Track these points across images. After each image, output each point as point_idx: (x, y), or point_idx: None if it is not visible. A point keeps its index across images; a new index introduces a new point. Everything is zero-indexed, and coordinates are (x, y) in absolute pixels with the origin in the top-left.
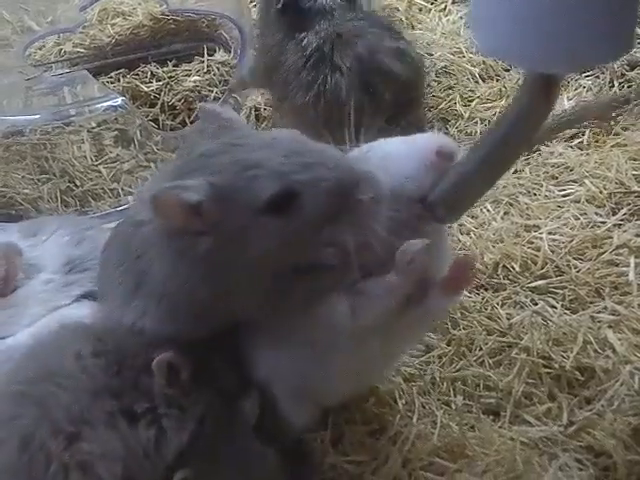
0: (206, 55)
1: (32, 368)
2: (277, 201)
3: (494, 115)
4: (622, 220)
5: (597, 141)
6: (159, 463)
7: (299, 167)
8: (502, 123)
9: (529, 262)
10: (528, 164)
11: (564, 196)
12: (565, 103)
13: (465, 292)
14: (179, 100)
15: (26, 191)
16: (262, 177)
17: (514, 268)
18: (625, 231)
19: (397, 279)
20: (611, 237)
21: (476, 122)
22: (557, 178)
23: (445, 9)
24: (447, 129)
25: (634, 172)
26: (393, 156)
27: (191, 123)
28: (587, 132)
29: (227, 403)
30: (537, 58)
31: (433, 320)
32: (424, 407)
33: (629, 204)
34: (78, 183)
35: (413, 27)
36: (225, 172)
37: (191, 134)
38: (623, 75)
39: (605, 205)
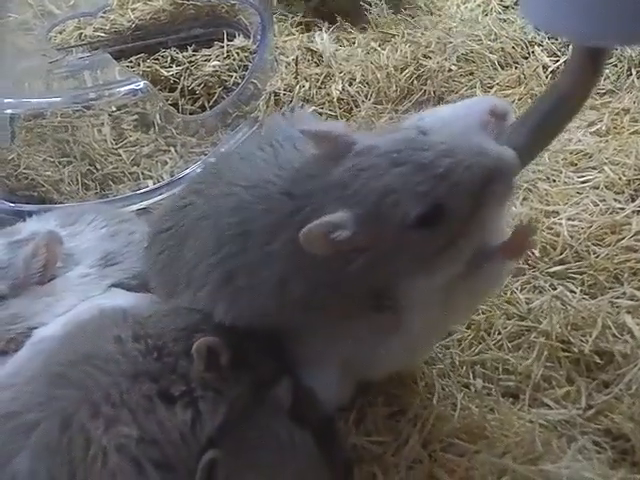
0: (226, 40)
1: (71, 351)
2: (425, 219)
3: (513, 101)
4: None
5: (616, 127)
6: (194, 446)
7: (434, 181)
8: (549, 96)
9: (548, 247)
10: (547, 150)
11: (583, 182)
12: None
13: None
14: (199, 85)
15: (47, 173)
16: (403, 202)
17: (533, 253)
18: None
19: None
20: (630, 223)
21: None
22: (576, 165)
23: None
24: None
25: None
26: (449, 120)
27: (210, 108)
28: (605, 118)
29: (261, 389)
30: (585, 32)
31: (490, 287)
32: (444, 389)
33: None
34: (98, 166)
35: (432, 14)
36: (365, 202)
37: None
38: None
39: (624, 191)
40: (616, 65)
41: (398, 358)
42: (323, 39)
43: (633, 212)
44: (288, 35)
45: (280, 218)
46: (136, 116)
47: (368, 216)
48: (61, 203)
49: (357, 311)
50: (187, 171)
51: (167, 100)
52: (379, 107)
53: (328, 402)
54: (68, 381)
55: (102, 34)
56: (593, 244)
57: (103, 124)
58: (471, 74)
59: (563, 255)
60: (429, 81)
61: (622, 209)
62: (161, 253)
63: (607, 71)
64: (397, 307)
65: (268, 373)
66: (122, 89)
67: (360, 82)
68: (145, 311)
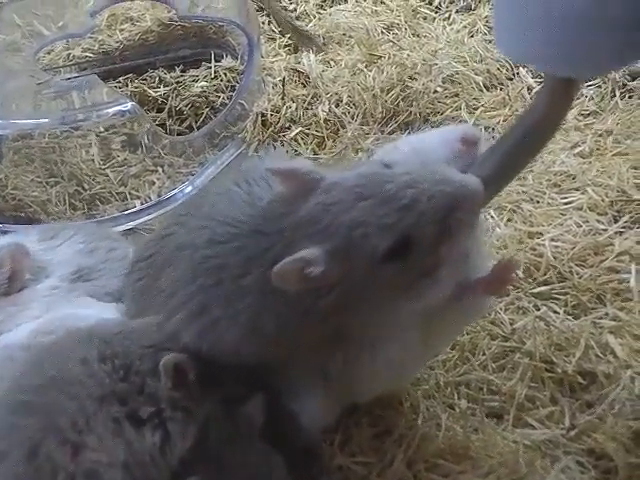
0: (213, 61)
1: (36, 375)
2: (393, 251)
3: (498, 123)
4: (623, 228)
5: (599, 149)
6: (164, 468)
7: (400, 213)
8: (521, 125)
9: (532, 268)
10: (531, 172)
11: (566, 204)
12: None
13: None
14: (186, 105)
15: (35, 194)
16: (371, 235)
17: (517, 274)
18: (626, 238)
19: (445, 269)
20: (613, 244)
21: (481, 129)
22: (560, 186)
23: (449, 18)
24: None
25: (635, 180)
26: (422, 149)
27: (198, 128)
28: (588, 140)
29: (231, 407)
30: (557, 62)
31: (470, 320)
32: (429, 410)
33: (630, 212)
34: (86, 186)
35: (418, 36)
36: (334, 237)
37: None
38: (625, 85)
39: (607, 213)
40: (600, 86)
41: (381, 384)
42: (310, 60)
43: (616, 233)
44: (275, 56)
45: (252, 255)
46: (124, 137)
47: (338, 251)
48: (48, 224)
49: (328, 345)
50: (175, 191)
51: (155, 120)
52: (365, 128)
53: (312, 426)
54: (33, 409)
55: (90, 55)
56: (576, 265)
57: (91, 145)
58: (456, 95)
59: (547, 276)
60: (415, 102)
61: (605, 230)
62: (139, 280)
63: (591, 92)
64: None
65: (237, 390)
66: (110, 110)
67: (346, 103)
68: (112, 327)
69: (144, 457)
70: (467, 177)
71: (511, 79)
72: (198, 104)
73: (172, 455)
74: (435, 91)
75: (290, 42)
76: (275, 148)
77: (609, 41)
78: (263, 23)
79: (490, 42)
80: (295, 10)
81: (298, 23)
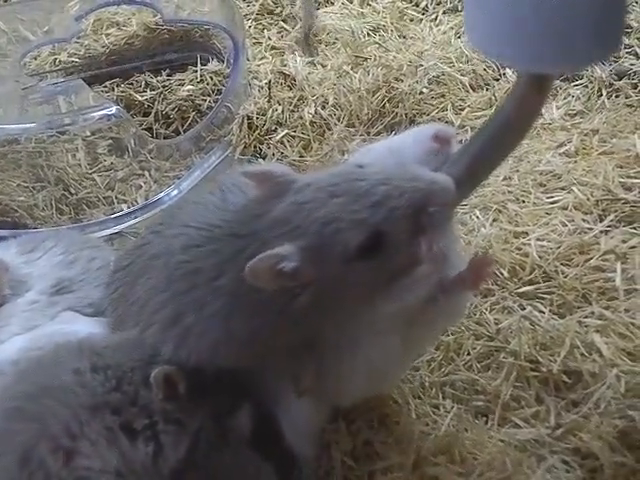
0: (199, 65)
1: (28, 384)
2: (365, 247)
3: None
4: (609, 227)
5: (585, 148)
6: (156, 478)
7: (372, 208)
8: (494, 121)
9: (517, 268)
10: (517, 171)
11: (552, 203)
12: (554, 112)
13: None
14: (173, 109)
15: (21, 198)
16: (344, 230)
17: (502, 274)
18: (612, 237)
19: (423, 268)
20: (598, 243)
21: (467, 130)
22: (545, 185)
23: (436, 19)
24: None
25: (621, 179)
26: (396, 149)
27: (184, 132)
28: (574, 139)
29: (220, 418)
30: (529, 58)
31: (450, 319)
32: (417, 409)
33: (616, 211)
34: (73, 191)
35: (405, 37)
36: (308, 233)
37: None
38: (611, 85)
39: (592, 212)
40: (587, 86)
41: (362, 388)
42: (296, 63)
43: (601, 232)
44: (262, 59)
45: (227, 257)
46: (110, 141)
47: (311, 248)
48: (35, 228)
49: (304, 350)
50: (161, 195)
51: (141, 124)
52: (351, 130)
53: (295, 431)
54: (26, 414)
55: (76, 59)
56: (562, 264)
57: (77, 149)
58: (442, 96)
59: (532, 275)
60: (401, 104)
61: (590, 229)
62: (116, 290)
63: (578, 92)
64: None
65: (227, 401)
66: (95, 114)
67: (333, 105)
68: (101, 341)
69: (136, 466)
70: (438, 175)
71: (497, 79)
72: (184, 108)
73: (164, 465)
74: (421, 92)
75: (276, 44)
76: (261, 151)
77: (579, 37)
78: (249, 27)
79: None
80: (282, 13)
81: None
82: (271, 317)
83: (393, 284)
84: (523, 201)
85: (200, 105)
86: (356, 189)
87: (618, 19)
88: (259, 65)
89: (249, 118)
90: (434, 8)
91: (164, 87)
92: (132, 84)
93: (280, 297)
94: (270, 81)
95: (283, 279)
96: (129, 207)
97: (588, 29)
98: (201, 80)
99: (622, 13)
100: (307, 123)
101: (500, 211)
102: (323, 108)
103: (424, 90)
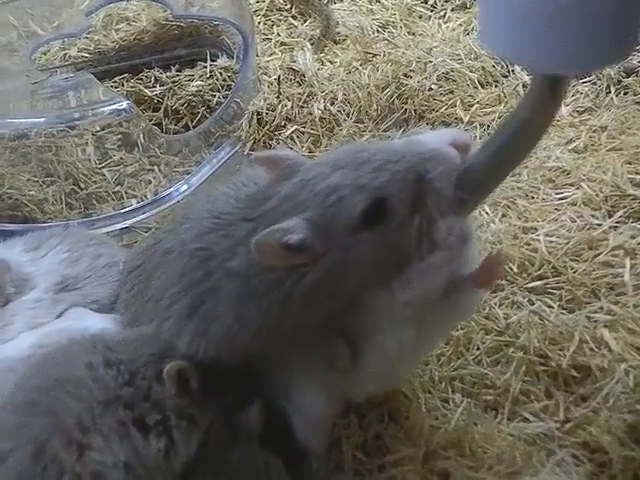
0: (209, 60)
1: (41, 377)
2: (369, 213)
3: (493, 120)
4: (618, 222)
5: (593, 144)
6: (167, 473)
7: (373, 174)
8: (510, 123)
9: (527, 263)
10: (526, 167)
11: (561, 199)
12: (563, 109)
13: None
14: (182, 105)
15: (31, 193)
16: (347, 197)
17: (512, 269)
18: (621, 233)
19: (441, 254)
20: (607, 239)
21: (476, 126)
22: (554, 181)
23: (445, 16)
24: None
25: (629, 176)
26: None
27: (194, 127)
28: (583, 136)
29: (232, 414)
30: (544, 60)
31: (460, 317)
32: (427, 404)
33: (625, 207)
34: (82, 186)
35: (414, 34)
36: (312, 205)
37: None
38: (620, 82)
39: (601, 208)
40: (595, 83)
41: (376, 382)
42: (305, 59)
43: (610, 228)
44: (271, 55)
45: (238, 239)
46: (120, 136)
47: (317, 219)
48: (45, 223)
49: (310, 341)
50: (170, 190)
51: (151, 120)
52: (360, 126)
53: (308, 426)
54: (39, 408)
55: (86, 55)
56: (571, 260)
57: (87, 144)
58: (451, 93)
59: (541, 271)
60: (410, 100)
61: (599, 225)
62: (130, 290)
63: (586, 89)
64: (355, 338)
65: (239, 398)
66: (105, 109)
67: (342, 101)
68: (114, 336)
69: (148, 462)
70: (441, 143)
71: (506, 76)
72: (194, 103)
73: (175, 461)
74: (430, 88)
75: (285, 40)
76: (271, 146)
77: (597, 38)
78: (258, 23)
79: None
80: (291, 9)
81: None
82: (281, 298)
83: (408, 268)
84: (532, 197)
85: (209, 101)
86: (358, 159)
87: (636, 20)
88: (268, 61)
89: (258, 114)
90: (442, 5)
91: (173, 83)
92: (142, 79)
93: (289, 276)
94: (279, 77)
95: (290, 254)
96: (138, 202)
97: (606, 30)
98: (210, 76)
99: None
100: (316, 119)
101: (509, 207)
102: (332, 104)
103: (433, 86)
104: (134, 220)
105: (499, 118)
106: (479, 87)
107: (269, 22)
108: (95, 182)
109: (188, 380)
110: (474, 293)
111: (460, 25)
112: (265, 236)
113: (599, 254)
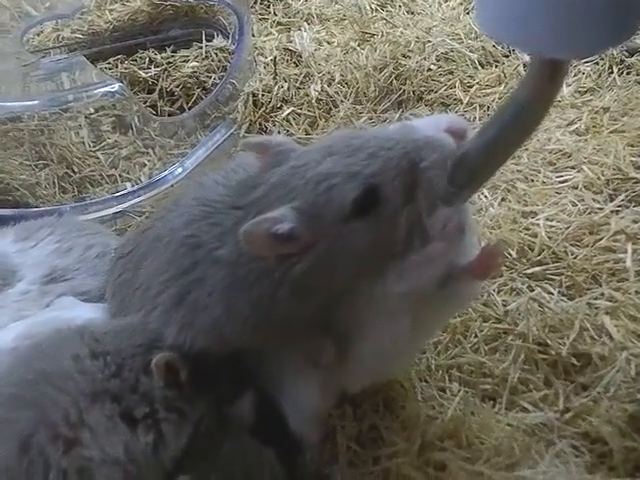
0: (204, 41)
1: (27, 370)
2: (361, 202)
3: (493, 101)
4: (619, 206)
5: (595, 126)
6: (157, 467)
7: (365, 161)
8: (508, 107)
9: (526, 248)
10: (526, 150)
11: (562, 182)
12: (564, 89)
13: None
14: (177, 86)
15: (23, 177)
16: (338, 185)
17: (511, 254)
18: (622, 217)
19: (437, 245)
20: (608, 223)
21: (475, 107)
22: (555, 164)
23: None
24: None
25: (632, 158)
26: None
27: (189, 109)
28: (585, 117)
29: (222, 406)
30: (544, 43)
31: (457, 307)
32: (423, 393)
33: (627, 190)
34: (76, 169)
35: (412, 13)
36: (302, 194)
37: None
38: (622, 61)
39: (603, 191)
40: (597, 63)
41: (371, 373)
42: (302, 39)
43: (612, 212)
44: (267, 35)
45: (227, 228)
46: (114, 118)
47: (307, 207)
48: (36, 207)
49: (299, 334)
50: (165, 173)
51: (146, 102)
52: (358, 107)
53: (301, 417)
54: (24, 402)
55: (80, 36)
56: (571, 245)
57: (81, 126)
58: (451, 73)
59: (541, 256)
60: (408, 81)
61: (601, 209)
62: (119, 277)
63: (588, 69)
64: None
65: (229, 389)
66: (97, 91)
67: (339, 82)
68: (101, 326)
69: (137, 456)
70: (436, 131)
71: (507, 56)
72: (189, 85)
73: (165, 455)
74: (429, 69)
75: (281, 20)
76: (267, 128)
77: (595, 22)
78: (254, 2)
79: None
80: None
81: None
82: (270, 288)
83: (402, 259)
84: (532, 180)
85: (205, 82)
86: (351, 145)
87: (636, 3)
88: (264, 41)
89: (254, 95)
90: None
91: (168, 64)
92: (136, 61)
93: (278, 266)
94: (275, 57)
95: (279, 244)
96: (133, 185)
97: (605, 14)
98: (206, 57)
99: None
100: (313, 100)
101: (509, 190)
102: (329, 85)
103: (432, 67)
104: (128, 204)
105: (499, 99)
106: (479, 67)
107: (265, 2)
108: (89, 165)
109: (177, 372)
110: (472, 284)
111: (460, 4)
112: (253, 225)
113: (600, 239)
